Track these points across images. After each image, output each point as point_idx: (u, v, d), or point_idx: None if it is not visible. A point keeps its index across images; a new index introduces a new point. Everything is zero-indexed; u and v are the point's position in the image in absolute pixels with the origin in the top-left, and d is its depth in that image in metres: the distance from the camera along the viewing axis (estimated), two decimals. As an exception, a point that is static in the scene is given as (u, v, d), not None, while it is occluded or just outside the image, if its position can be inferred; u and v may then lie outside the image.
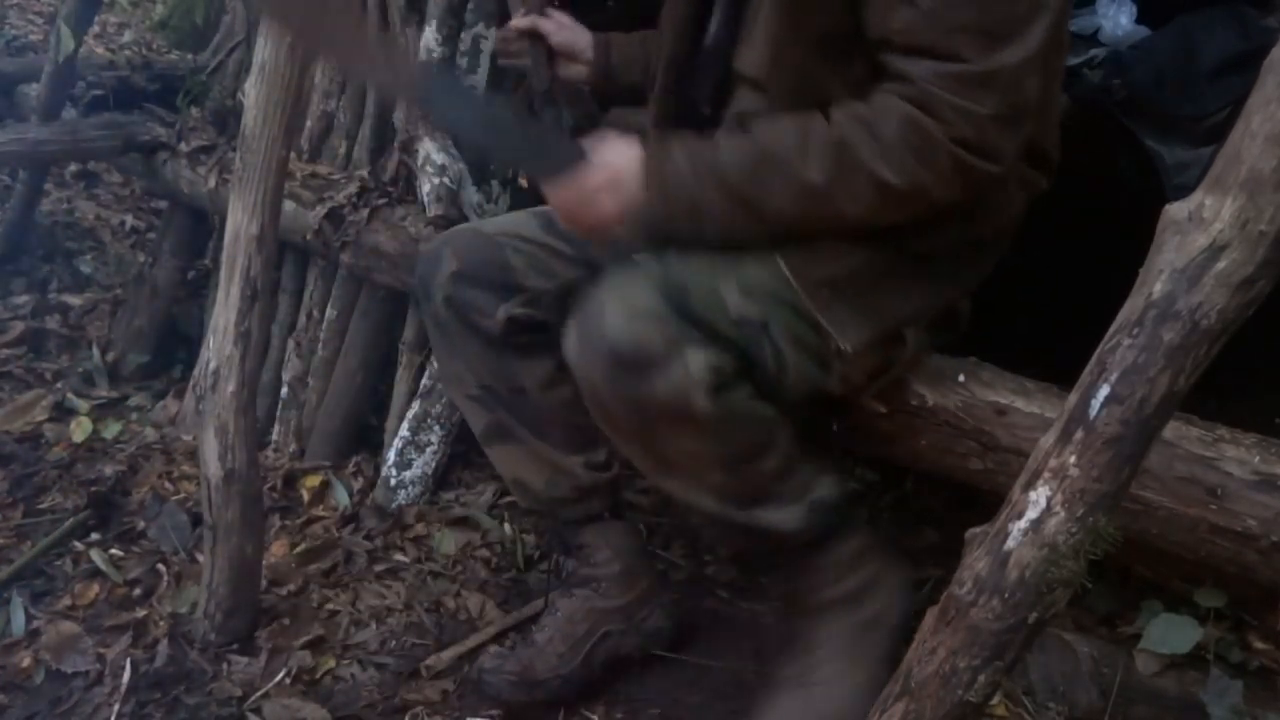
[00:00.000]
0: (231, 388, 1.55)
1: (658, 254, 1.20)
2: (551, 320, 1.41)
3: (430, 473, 1.98)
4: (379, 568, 1.80)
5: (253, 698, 1.50)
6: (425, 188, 1.89)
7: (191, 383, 2.24)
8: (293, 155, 1.84)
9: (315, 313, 2.17)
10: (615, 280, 1.17)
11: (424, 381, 2.00)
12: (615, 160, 1.21)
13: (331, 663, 1.58)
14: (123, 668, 1.53)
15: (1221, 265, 0.78)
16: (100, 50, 3.63)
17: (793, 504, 1.28)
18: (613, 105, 1.57)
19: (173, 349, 2.48)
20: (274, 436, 2.17)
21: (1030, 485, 0.86)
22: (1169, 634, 1.41)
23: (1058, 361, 1.21)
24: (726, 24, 1.28)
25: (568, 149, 1.23)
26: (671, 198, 1.19)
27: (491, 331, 1.42)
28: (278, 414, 2.18)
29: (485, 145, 1.34)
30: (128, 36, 3.95)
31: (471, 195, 1.92)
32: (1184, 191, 0.83)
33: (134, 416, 2.25)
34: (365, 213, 1.97)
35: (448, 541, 1.85)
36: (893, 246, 1.23)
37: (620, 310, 1.13)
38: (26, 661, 1.56)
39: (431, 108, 1.23)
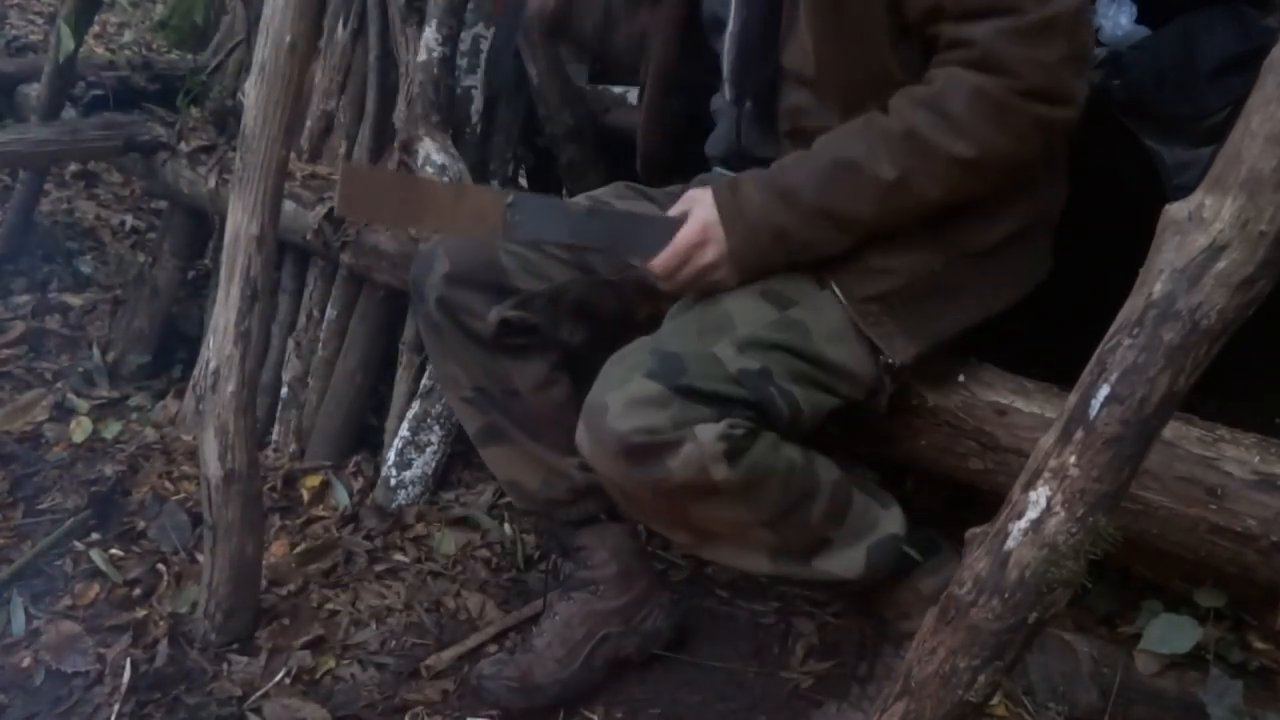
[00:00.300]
0: (231, 388, 1.55)
1: (650, 339, 1.22)
2: (543, 322, 1.43)
3: (430, 473, 1.98)
4: (379, 568, 1.80)
5: (253, 698, 1.50)
6: (425, 188, 1.89)
7: (191, 383, 2.25)
8: (293, 155, 1.84)
9: (315, 313, 2.17)
10: (611, 374, 1.18)
11: (424, 381, 2.00)
12: (699, 213, 1.23)
13: (331, 663, 1.58)
14: (123, 668, 1.53)
15: (1221, 265, 0.78)
16: (100, 50, 3.63)
17: (852, 548, 1.27)
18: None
19: (173, 349, 2.48)
20: (274, 436, 2.17)
21: (1030, 485, 0.86)
22: (1169, 634, 1.41)
23: (1058, 361, 1.21)
24: (761, 23, 1.27)
25: (660, 225, 1.27)
26: (756, 231, 1.21)
27: (483, 333, 1.42)
28: (278, 414, 2.18)
29: (582, 247, 1.39)
30: (128, 36, 3.95)
31: (471, 195, 1.92)
32: (1184, 191, 0.82)
33: (134, 416, 2.25)
34: (365, 213, 1.96)
35: (448, 541, 1.85)
36: (941, 254, 1.24)
37: (621, 403, 1.14)
38: (26, 661, 1.56)
39: (526, 237, 1.27)
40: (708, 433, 1.12)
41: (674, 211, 1.27)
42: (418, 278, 1.46)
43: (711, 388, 1.14)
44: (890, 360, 1.23)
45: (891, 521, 1.31)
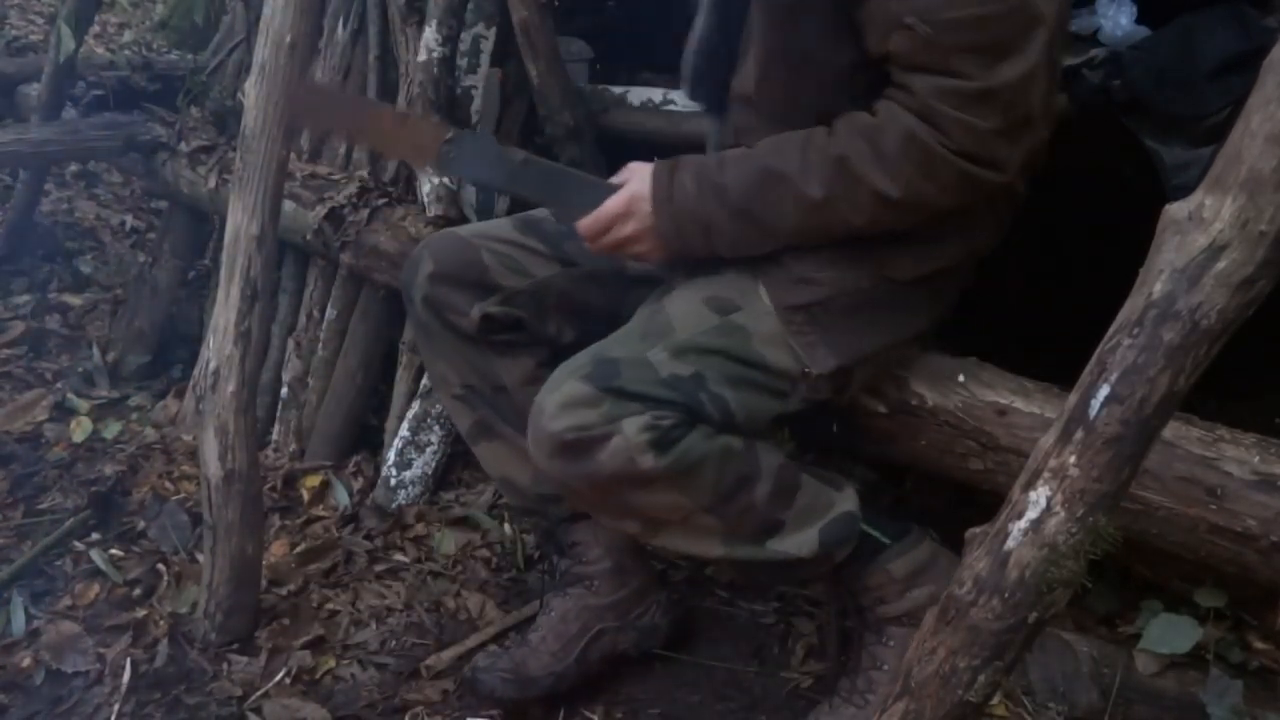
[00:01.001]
0: (231, 388, 1.55)
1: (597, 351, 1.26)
2: (528, 318, 1.47)
3: (430, 473, 1.98)
4: (379, 568, 1.80)
5: (253, 697, 1.50)
6: (425, 188, 1.89)
7: (191, 383, 2.25)
8: (293, 155, 1.84)
9: (315, 313, 2.17)
10: (553, 379, 1.24)
11: (424, 381, 2.00)
12: (631, 186, 1.29)
13: (331, 663, 1.58)
14: (123, 668, 1.53)
15: (1221, 265, 0.78)
16: (100, 50, 3.63)
17: (805, 528, 1.28)
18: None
19: (173, 349, 2.48)
20: (274, 436, 2.17)
21: (1030, 485, 0.86)
22: (1169, 634, 1.41)
23: (1058, 361, 1.21)
24: (722, 39, 1.30)
25: (593, 188, 1.31)
26: (681, 217, 1.26)
27: (468, 330, 1.45)
28: (278, 414, 2.18)
29: (514, 194, 1.46)
30: (128, 36, 3.95)
31: (471, 195, 1.93)
32: (1184, 191, 0.82)
33: (134, 416, 2.25)
34: (365, 213, 1.97)
35: (448, 541, 1.85)
36: (869, 275, 1.27)
37: (555, 403, 1.20)
38: (26, 661, 1.56)
39: (459, 172, 1.34)
40: (633, 425, 1.17)
41: (616, 179, 1.32)
42: (407, 280, 1.50)
43: (641, 389, 1.18)
44: (808, 369, 1.26)
45: (846, 501, 1.32)
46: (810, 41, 1.20)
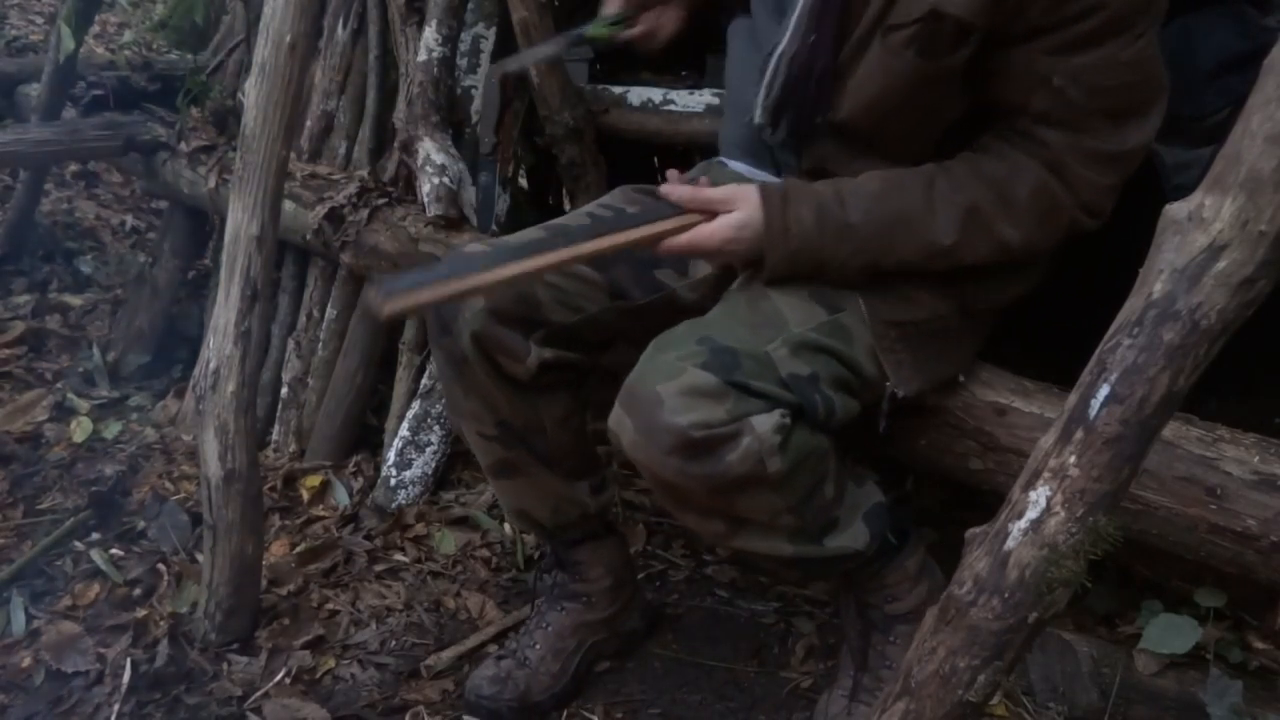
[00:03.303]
0: (231, 388, 1.55)
1: (696, 328, 1.19)
2: (580, 359, 1.39)
3: (430, 473, 1.98)
4: (379, 568, 1.80)
5: (253, 697, 1.50)
6: (425, 188, 1.89)
7: (191, 383, 2.25)
8: (293, 155, 1.84)
9: (315, 313, 2.17)
10: (660, 363, 1.14)
11: (424, 381, 2.00)
12: (738, 216, 1.20)
13: (331, 663, 1.58)
14: (123, 668, 1.53)
15: (1221, 265, 0.78)
16: (100, 50, 3.63)
17: (855, 521, 1.26)
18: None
19: (173, 349, 2.48)
20: (274, 436, 2.17)
21: (1030, 485, 0.86)
22: (1169, 634, 1.41)
23: (1058, 361, 1.21)
24: (824, 61, 1.21)
25: (661, 208, 1.24)
26: (799, 256, 1.20)
27: (520, 377, 1.36)
28: (278, 414, 2.19)
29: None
30: (128, 36, 3.95)
31: (471, 195, 1.93)
32: (1184, 191, 0.82)
33: (134, 416, 2.25)
34: (365, 213, 1.97)
35: (448, 541, 1.85)
36: (954, 304, 1.27)
37: (676, 395, 1.10)
38: (26, 661, 1.56)
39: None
40: (765, 424, 1.10)
41: (717, 197, 1.21)
42: (444, 308, 1.35)
43: (763, 387, 1.12)
44: (895, 390, 1.23)
45: (875, 492, 1.32)
46: (934, 79, 1.16)
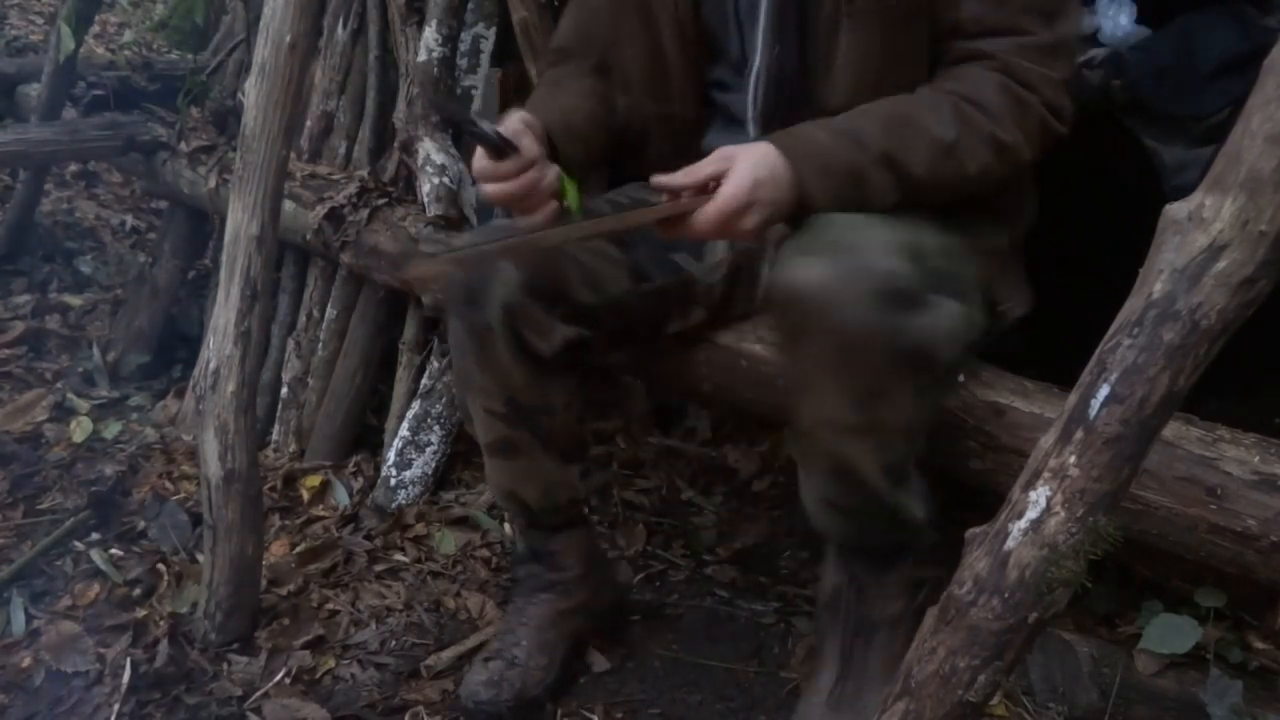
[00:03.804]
0: (231, 388, 1.55)
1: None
2: (594, 339, 1.38)
3: (430, 473, 1.98)
4: (379, 568, 1.80)
5: (253, 698, 1.50)
6: (425, 188, 1.89)
7: (191, 383, 2.25)
8: (293, 155, 1.84)
9: (315, 313, 2.17)
10: (858, 226, 1.12)
11: (424, 381, 2.00)
12: (742, 171, 1.13)
13: (331, 663, 1.58)
14: (123, 668, 1.53)
15: (1221, 265, 0.78)
16: (100, 50, 3.63)
17: (917, 490, 1.26)
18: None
19: (173, 349, 2.48)
20: (274, 436, 2.17)
21: (1030, 485, 0.86)
22: (1169, 634, 1.41)
23: (1058, 361, 1.21)
24: (796, 61, 1.27)
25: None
26: (831, 171, 1.15)
27: (543, 352, 1.34)
28: (278, 414, 2.18)
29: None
30: (128, 36, 3.95)
31: (471, 195, 1.93)
32: (1184, 191, 0.82)
33: (134, 416, 2.25)
34: (365, 213, 1.97)
35: (448, 541, 1.85)
36: (1006, 233, 1.33)
37: (885, 246, 1.09)
38: (26, 661, 1.56)
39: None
40: (951, 309, 1.10)
41: (713, 161, 1.16)
42: (474, 279, 1.32)
43: (946, 274, 1.13)
44: (1011, 310, 1.28)
45: (920, 476, 1.30)
46: (905, 35, 1.22)
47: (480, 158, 1.23)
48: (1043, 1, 1.19)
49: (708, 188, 1.15)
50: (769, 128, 1.27)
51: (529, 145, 1.23)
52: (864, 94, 1.23)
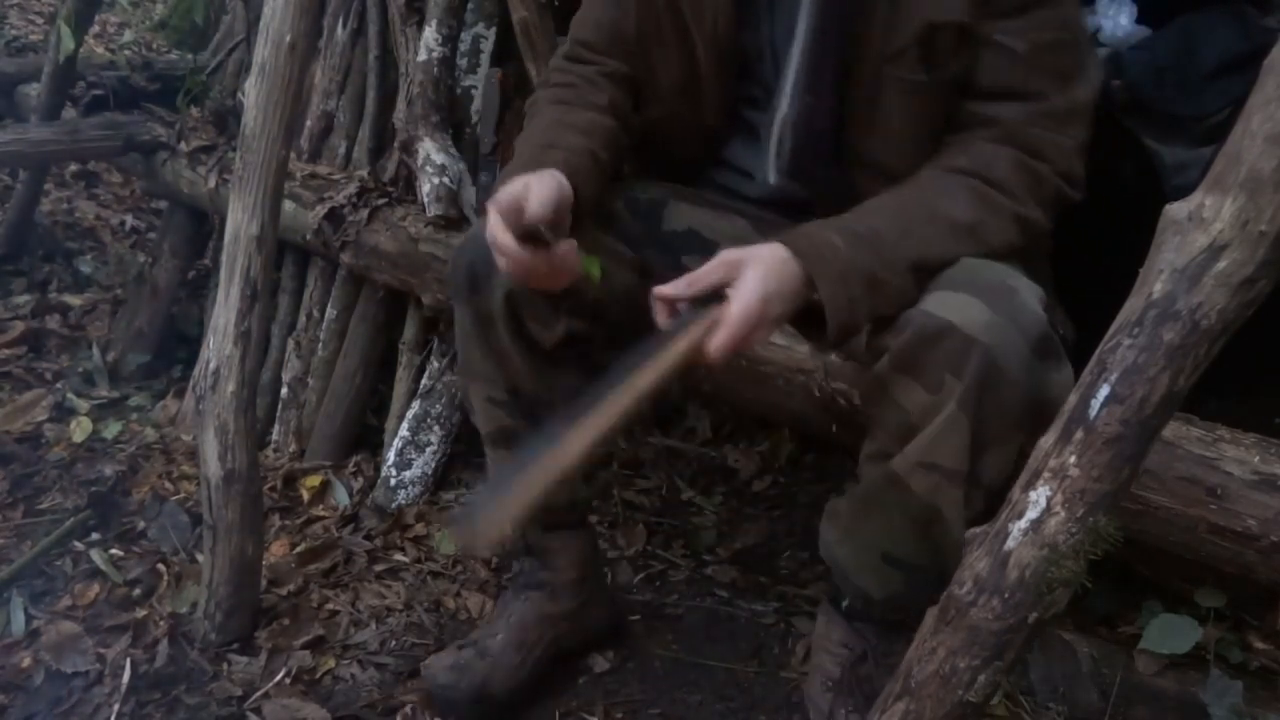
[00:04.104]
0: (231, 388, 1.55)
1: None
2: (595, 335, 1.34)
3: (430, 473, 1.98)
4: (379, 568, 1.80)
5: (253, 698, 1.50)
6: (425, 188, 1.89)
7: (191, 383, 2.25)
8: (293, 155, 1.84)
9: (315, 313, 2.17)
10: (994, 266, 1.09)
11: (424, 381, 2.00)
12: (750, 286, 1.05)
13: (331, 663, 1.58)
14: (123, 668, 1.53)
15: (1221, 265, 0.78)
16: (100, 50, 3.63)
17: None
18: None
19: (173, 349, 2.48)
20: (274, 436, 2.17)
21: (1030, 485, 0.86)
22: (1169, 634, 1.41)
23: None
24: (829, 115, 1.21)
25: (699, 308, 1.09)
26: (848, 277, 1.07)
27: (544, 344, 1.31)
28: (278, 414, 2.18)
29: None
30: (128, 36, 3.95)
31: (471, 195, 1.93)
32: (1183, 191, 0.82)
33: (134, 416, 2.25)
34: (365, 213, 1.97)
35: (448, 541, 1.85)
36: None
37: (1033, 292, 1.07)
38: (26, 661, 1.56)
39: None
40: (1069, 367, 1.06)
41: (709, 275, 1.08)
42: (479, 264, 1.27)
43: (1062, 322, 1.12)
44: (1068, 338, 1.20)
45: None
46: (947, 93, 1.16)
47: (501, 231, 1.12)
48: (1060, 62, 1.14)
49: (721, 291, 1.08)
50: (791, 179, 1.27)
51: (563, 235, 1.14)
52: (905, 153, 1.19)
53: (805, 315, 1.12)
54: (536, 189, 1.12)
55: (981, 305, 1.04)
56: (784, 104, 1.24)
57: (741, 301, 1.04)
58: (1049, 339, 1.04)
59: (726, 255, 1.08)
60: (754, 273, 1.05)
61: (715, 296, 1.07)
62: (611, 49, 1.35)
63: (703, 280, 1.08)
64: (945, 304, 1.05)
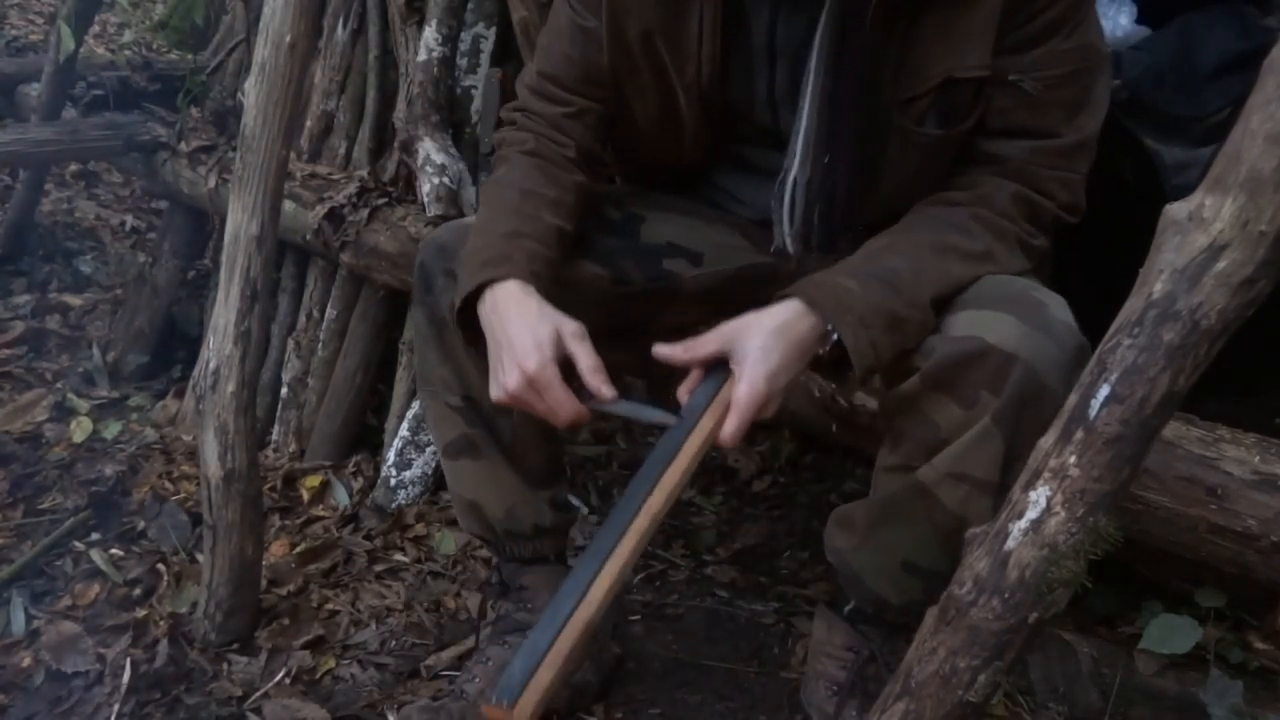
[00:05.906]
0: (231, 388, 1.55)
1: None
2: None
3: (430, 473, 1.98)
4: (379, 568, 1.80)
5: (253, 698, 1.50)
6: (425, 188, 1.89)
7: (191, 383, 2.25)
8: (293, 155, 1.84)
9: (315, 313, 2.17)
10: (1022, 289, 1.08)
11: (424, 381, 2.00)
12: (759, 352, 1.04)
13: (331, 663, 1.58)
14: (123, 668, 1.53)
15: (1221, 265, 0.78)
16: (100, 50, 3.63)
17: None
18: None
19: (173, 349, 2.48)
20: (274, 436, 2.17)
21: (1030, 485, 0.86)
22: (1169, 634, 1.41)
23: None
24: (846, 189, 1.19)
25: (712, 381, 1.07)
26: (869, 321, 1.05)
27: None
28: (278, 414, 2.19)
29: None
30: (128, 36, 3.94)
31: (471, 195, 1.93)
32: (1183, 191, 0.82)
33: (134, 416, 2.25)
34: (365, 213, 1.97)
35: (448, 541, 1.85)
36: None
37: (1061, 305, 1.08)
38: (26, 661, 1.56)
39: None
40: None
41: (708, 345, 1.07)
42: (429, 265, 1.27)
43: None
44: None
45: None
46: (956, 142, 1.16)
47: (567, 401, 1.08)
48: (1071, 94, 1.13)
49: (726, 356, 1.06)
50: (805, 244, 1.25)
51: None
52: (911, 200, 1.18)
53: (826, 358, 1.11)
54: (582, 356, 1.09)
55: (1013, 319, 1.04)
56: (794, 165, 1.19)
57: (748, 383, 1.02)
58: (1085, 349, 1.03)
59: (725, 328, 1.06)
60: (757, 347, 1.04)
61: (720, 364, 1.06)
62: (581, 87, 1.28)
63: (700, 350, 1.07)
64: (977, 323, 1.05)
